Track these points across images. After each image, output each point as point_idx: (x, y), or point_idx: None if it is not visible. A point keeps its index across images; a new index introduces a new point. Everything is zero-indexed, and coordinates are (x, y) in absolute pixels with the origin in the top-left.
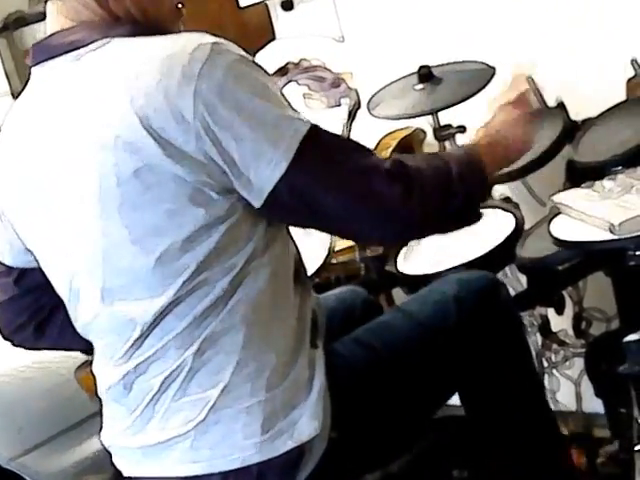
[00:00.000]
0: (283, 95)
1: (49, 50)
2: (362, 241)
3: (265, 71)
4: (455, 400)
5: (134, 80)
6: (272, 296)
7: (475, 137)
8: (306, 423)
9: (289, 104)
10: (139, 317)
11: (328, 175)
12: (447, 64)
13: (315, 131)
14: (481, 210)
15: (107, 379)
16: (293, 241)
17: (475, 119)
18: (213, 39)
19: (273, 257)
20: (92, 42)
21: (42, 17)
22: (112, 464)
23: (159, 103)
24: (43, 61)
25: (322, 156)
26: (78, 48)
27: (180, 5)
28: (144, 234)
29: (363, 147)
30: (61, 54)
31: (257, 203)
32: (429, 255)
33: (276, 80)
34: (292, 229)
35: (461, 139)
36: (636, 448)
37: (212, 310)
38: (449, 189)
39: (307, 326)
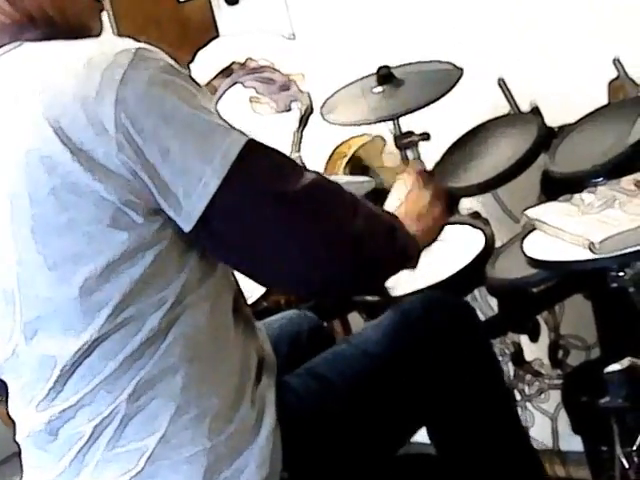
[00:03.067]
0: (217, 111)
1: None
2: (292, 285)
3: (196, 82)
4: (424, 436)
5: (47, 88)
6: (212, 333)
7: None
8: (254, 471)
9: (222, 119)
10: (59, 354)
11: (267, 198)
12: (409, 64)
13: (253, 145)
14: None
15: (28, 424)
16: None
17: (440, 125)
18: (137, 44)
19: (211, 290)
20: (0, 47)
21: None
22: None
23: (76, 112)
24: None
25: (261, 175)
26: None
27: None
28: (62, 260)
29: (305, 168)
30: None
31: (187, 227)
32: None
33: (219, 82)
34: None
35: (424, 147)
36: None
37: (145, 350)
38: (393, 239)
39: (252, 362)
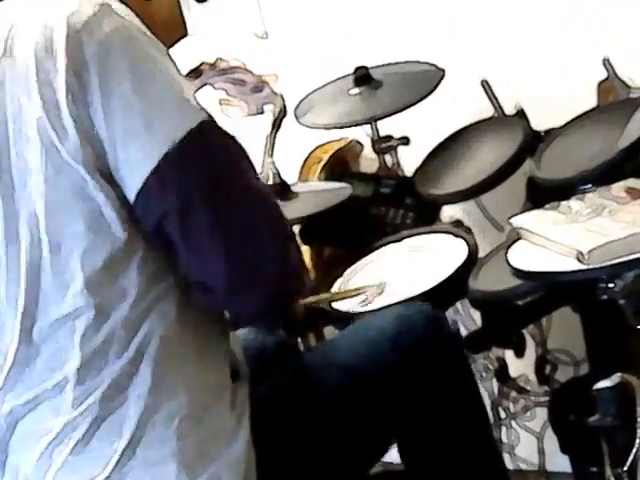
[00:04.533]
0: (182, 82)
1: None
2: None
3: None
4: (395, 456)
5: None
6: (184, 328)
7: None
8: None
9: (186, 91)
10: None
11: (212, 183)
12: (388, 65)
13: (209, 125)
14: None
15: None
16: None
17: (421, 129)
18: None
19: (181, 280)
20: None
21: None
22: None
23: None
24: None
25: (208, 158)
26: None
27: None
28: None
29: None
30: None
31: (131, 195)
32: None
33: (188, 84)
34: None
35: (404, 152)
36: None
37: (113, 345)
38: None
39: (227, 364)
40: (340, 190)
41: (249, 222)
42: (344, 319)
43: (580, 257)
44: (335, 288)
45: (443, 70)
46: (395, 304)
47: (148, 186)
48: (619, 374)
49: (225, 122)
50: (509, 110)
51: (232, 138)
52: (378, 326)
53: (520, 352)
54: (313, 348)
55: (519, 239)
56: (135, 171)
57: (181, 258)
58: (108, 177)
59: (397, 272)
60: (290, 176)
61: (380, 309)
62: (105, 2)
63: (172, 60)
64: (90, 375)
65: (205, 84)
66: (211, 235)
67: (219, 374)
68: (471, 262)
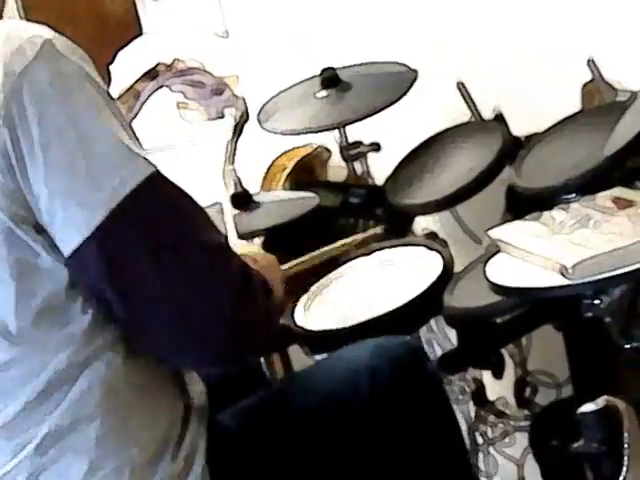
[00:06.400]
0: (131, 128)
1: None
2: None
3: (110, 95)
4: None
5: None
6: (132, 377)
7: None
8: None
9: (136, 139)
10: None
11: (156, 244)
12: (357, 65)
13: (158, 180)
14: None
15: None
16: None
17: (392, 135)
18: (51, 34)
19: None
20: None
21: None
22: None
23: None
24: None
25: (155, 217)
26: None
27: None
28: None
29: (209, 218)
30: None
31: (66, 252)
32: (335, 306)
33: (143, 85)
34: None
35: (374, 159)
36: None
37: (51, 394)
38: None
39: (178, 408)
40: (306, 200)
41: (194, 287)
42: (313, 339)
43: (563, 272)
44: (300, 305)
45: (416, 71)
46: (368, 323)
47: (86, 247)
48: (605, 397)
49: (183, 127)
50: (487, 114)
51: (181, 191)
52: (354, 358)
53: (499, 373)
54: (285, 378)
55: (498, 252)
56: (73, 229)
57: (120, 318)
58: (39, 228)
59: (367, 288)
60: (252, 185)
61: (353, 328)
62: (48, 40)
63: (114, 101)
64: (24, 426)
65: (161, 86)
66: (152, 300)
67: (170, 422)
68: (446, 277)
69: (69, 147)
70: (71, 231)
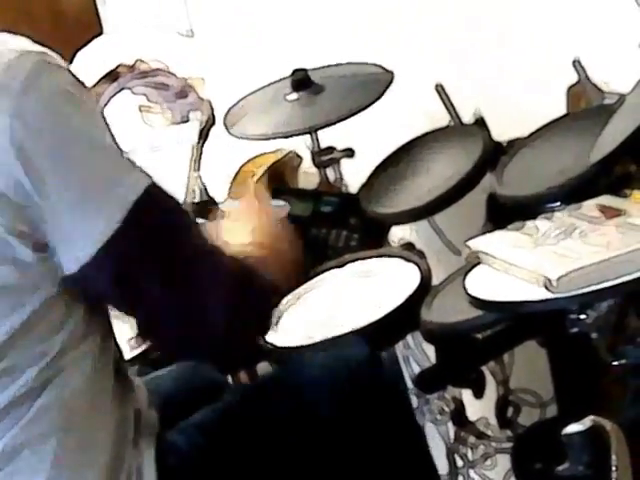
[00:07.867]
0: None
1: None
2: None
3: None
4: None
5: None
6: (91, 398)
7: None
8: None
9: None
10: None
11: (158, 251)
12: (330, 67)
13: (153, 191)
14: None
15: None
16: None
17: (367, 140)
18: (40, 48)
19: (94, 348)
20: None
21: None
22: None
23: None
24: None
25: (156, 227)
26: None
27: None
28: None
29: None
30: None
31: (74, 267)
32: (306, 321)
33: (104, 88)
34: None
35: (348, 166)
36: None
37: (12, 409)
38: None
39: (130, 429)
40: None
41: (194, 288)
42: (282, 355)
43: (548, 284)
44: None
45: (392, 73)
46: (340, 338)
47: (97, 259)
48: (591, 417)
49: (146, 131)
50: (467, 118)
51: (173, 199)
52: (312, 372)
53: (479, 392)
54: (240, 389)
55: (478, 264)
56: (79, 243)
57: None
58: (39, 247)
59: (340, 302)
60: (219, 193)
61: (318, 346)
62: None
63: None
64: None
65: (123, 89)
66: (156, 307)
67: (122, 441)
68: (424, 290)
69: (75, 162)
70: (77, 246)
